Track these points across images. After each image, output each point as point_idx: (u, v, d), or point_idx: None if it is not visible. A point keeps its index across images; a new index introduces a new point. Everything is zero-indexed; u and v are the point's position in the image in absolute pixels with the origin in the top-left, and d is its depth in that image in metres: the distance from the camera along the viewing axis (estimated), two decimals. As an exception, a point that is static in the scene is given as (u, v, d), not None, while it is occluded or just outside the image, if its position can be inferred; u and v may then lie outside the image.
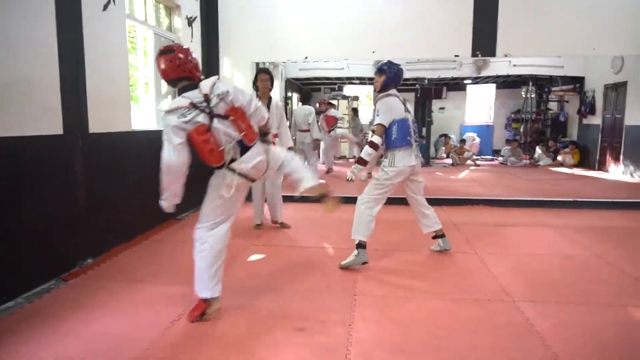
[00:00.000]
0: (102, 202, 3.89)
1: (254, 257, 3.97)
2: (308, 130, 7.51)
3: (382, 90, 3.70)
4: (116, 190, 4.13)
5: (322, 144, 10.39)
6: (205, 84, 2.59)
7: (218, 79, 2.72)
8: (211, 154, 2.52)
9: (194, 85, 2.59)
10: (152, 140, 4.91)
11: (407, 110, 3.72)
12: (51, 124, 3.32)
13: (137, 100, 5.00)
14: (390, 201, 3.92)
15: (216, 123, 2.54)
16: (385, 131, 3.63)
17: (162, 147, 2.48)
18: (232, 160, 2.63)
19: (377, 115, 3.64)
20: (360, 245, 3.66)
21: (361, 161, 3.70)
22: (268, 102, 4.56)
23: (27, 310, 2.86)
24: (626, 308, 2.90)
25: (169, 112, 2.48)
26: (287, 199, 5.06)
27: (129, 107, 4.36)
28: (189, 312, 2.75)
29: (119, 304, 2.94)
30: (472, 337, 2.53)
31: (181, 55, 2.56)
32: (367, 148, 3.67)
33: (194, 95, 2.53)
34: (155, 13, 5.14)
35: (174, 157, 2.47)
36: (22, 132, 3.03)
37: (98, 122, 3.81)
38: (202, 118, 2.49)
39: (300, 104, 12.75)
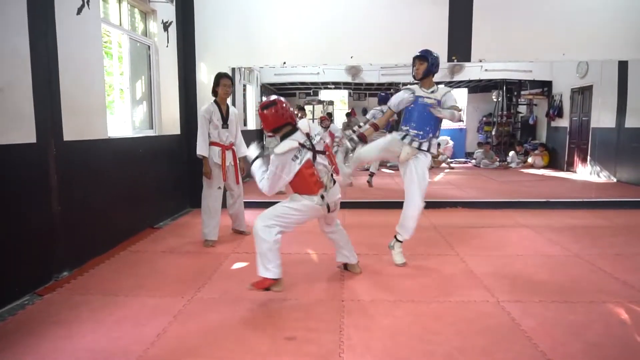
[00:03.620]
0: (78, 212, 3.76)
1: (237, 266, 3.90)
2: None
3: (423, 78, 3.73)
4: (92, 200, 3.99)
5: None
6: (303, 125, 3.08)
7: (310, 119, 3.17)
8: (315, 185, 3.01)
9: (295, 129, 3.06)
10: (128, 148, 4.85)
11: None
12: (24, 132, 3.17)
13: (112, 107, 4.86)
14: (378, 205, 3.94)
15: (318, 158, 3.04)
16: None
17: (265, 178, 3.04)
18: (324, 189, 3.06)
19: (456, 102, 3.77)
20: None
21: None
22: (227, 109, 4.40)
23: (1, 329, 2.71)
24: (607, 305, 2.99)
25: (284, 153, 2.93)
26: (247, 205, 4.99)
27: (104, 114, 4.23)
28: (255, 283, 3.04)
29: (100, 319, 2.83)
30: (461, 339, 2.55)
31: (282, 105, 3.02)
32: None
33: (299, 137, 3.00)
34: (130, 17, 5.02)
35: (269, 191, 3.06)
36: (-7, 142, 2.90)
37: (73, 130, 3.68)
38: (308, 155, 2.99)
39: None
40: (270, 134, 3.20)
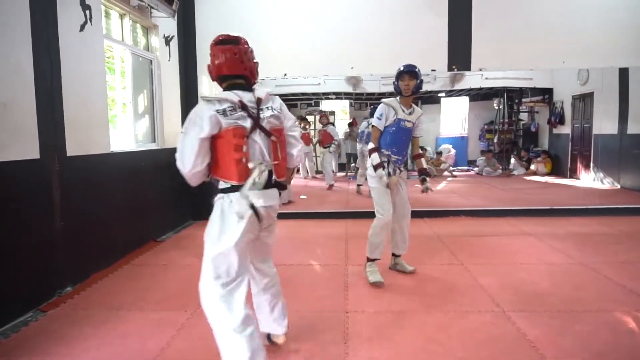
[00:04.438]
0: (81, 227, 3.76)
1: (241, 278, 3.88)
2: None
3: (411, 94, 3.57)
4: (95, 214, 4.00)
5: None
6: (261, 90, 2.26)
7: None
8: (237, 165, 2.06)
9: (248, 88, 2.22)
10: (131, 162, 4.87)
11: None
12: (27, 148, 3.20)
13: (114, 121, 4.90)
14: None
15: (257, 135, 2.15)
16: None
17: (179, 142, 2.07)
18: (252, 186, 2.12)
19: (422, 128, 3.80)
20: None
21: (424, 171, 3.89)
22: None
23: (4, 346, 2.71)
24: (614, 314, 2.96)
25: (209, 101, 2.06)
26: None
27: (107, 129, 4.26)
28: None
29: (104, 334, 2.82)
30: (466, 350, 2.53)
31: (246, 49, 2.18)
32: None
33: (246, 96, 2.16)
34: (132, 33, 5.08)
35: (186, 159, 2.05)
36: (-3, 158, 2.92)
37: (76, 145, 3.71)
38: (245, 123, 2.10)
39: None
40: (214, 81, 2.30)
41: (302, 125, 10.55)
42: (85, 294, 3.54)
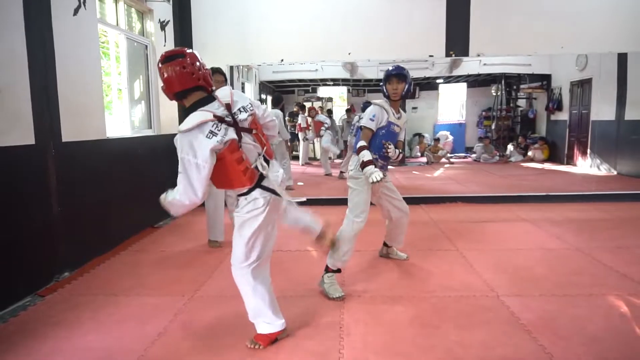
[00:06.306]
0: (78, 213, 3.76)
1: (238, 264, 3.90)
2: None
3: (401, 98, 3.32)
4: (92, 200, 4.00)
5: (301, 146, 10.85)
6: (224, 94, 2.24)
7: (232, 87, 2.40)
8: (245, 173, 2.15)
9: (210, 97, 2.20)
10: (127, 148, 4.85)
11: None
12: (22, 133, 3.18)
13: (110, 107, 4.87)
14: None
15: (245, 138, 2.20)
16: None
17: (180, 180, 2.10)
18: (261, 179, 2.27)
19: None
20: None
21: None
22: None
23: (3, 330, 2.73)
24: (608, 298, 2.99)
25: (191, 130, 2.04)
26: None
27: (102, 114, 4.23)
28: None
29: (101, 319, 2.84)
30: (461, 334, 2.56)
31: (193, 60, 2.13)
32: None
33: (215, 108, 2.14)
34: (127, 17, 5.01)
35: (199, 194, 2.09)
36: (-8, 144, 2.90)
37: (71, 131, 3.69)
38: (231, 133, 2.11)
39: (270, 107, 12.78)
40: (173, 99, 2.29)
41: (300, 113, 10.53)
42: (83, 279, 3.56)
